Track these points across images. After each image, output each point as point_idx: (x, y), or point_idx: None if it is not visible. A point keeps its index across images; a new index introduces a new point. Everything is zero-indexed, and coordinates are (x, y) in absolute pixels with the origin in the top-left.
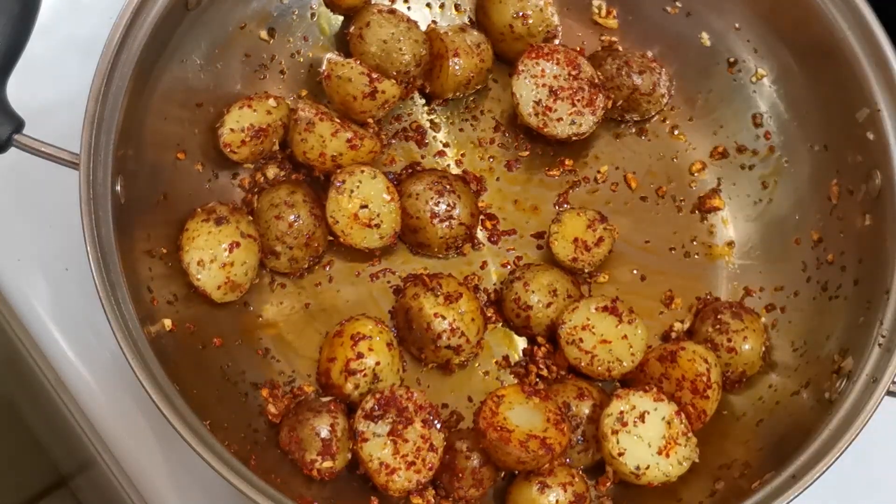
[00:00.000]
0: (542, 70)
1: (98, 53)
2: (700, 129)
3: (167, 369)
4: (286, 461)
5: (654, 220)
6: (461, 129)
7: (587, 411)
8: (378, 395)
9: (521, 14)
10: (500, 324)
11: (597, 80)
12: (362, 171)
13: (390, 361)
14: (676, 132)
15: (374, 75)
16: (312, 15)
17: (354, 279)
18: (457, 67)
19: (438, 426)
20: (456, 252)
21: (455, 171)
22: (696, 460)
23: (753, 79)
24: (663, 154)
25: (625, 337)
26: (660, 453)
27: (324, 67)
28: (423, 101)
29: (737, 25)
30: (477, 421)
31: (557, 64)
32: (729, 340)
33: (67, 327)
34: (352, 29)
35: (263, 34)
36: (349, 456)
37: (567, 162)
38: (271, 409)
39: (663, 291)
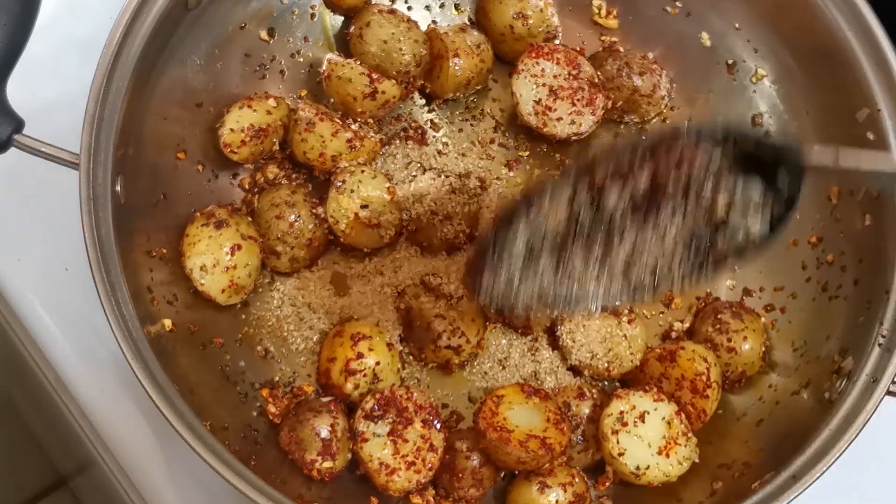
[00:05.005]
0: (542, 69)
1: (98, 53)
2: None
3: (167, 369)
4: (286, 461)
5: None
6: (461, 129)
7: (587, 411)
8: (378, 395)
9: (521, 15)
10: (500, 324)
11: (596, 80)
12: (362, 171)
13: (390, 361)
14: None
15: (375, 75)
16: (312, 15)
17: (355, 279)
18: (457, 68)
19: (438, 426)
20: (456, 252)
21: (455, 171)
22: (696, 460)
23: (753, 79)
24: None
25: (625, 337)
26: (660, 453)
27: (324, 67)
28: (423, 101)
29: (737, 25)
30: (477, 421)
31: (557, 63)
32: (729, 340)
33: (67, 327)
34: (352, 29)
35: (263, 34)
36: (349, 456)
37: (567, 162)
38: (271, 409)
39: (663, 291)
